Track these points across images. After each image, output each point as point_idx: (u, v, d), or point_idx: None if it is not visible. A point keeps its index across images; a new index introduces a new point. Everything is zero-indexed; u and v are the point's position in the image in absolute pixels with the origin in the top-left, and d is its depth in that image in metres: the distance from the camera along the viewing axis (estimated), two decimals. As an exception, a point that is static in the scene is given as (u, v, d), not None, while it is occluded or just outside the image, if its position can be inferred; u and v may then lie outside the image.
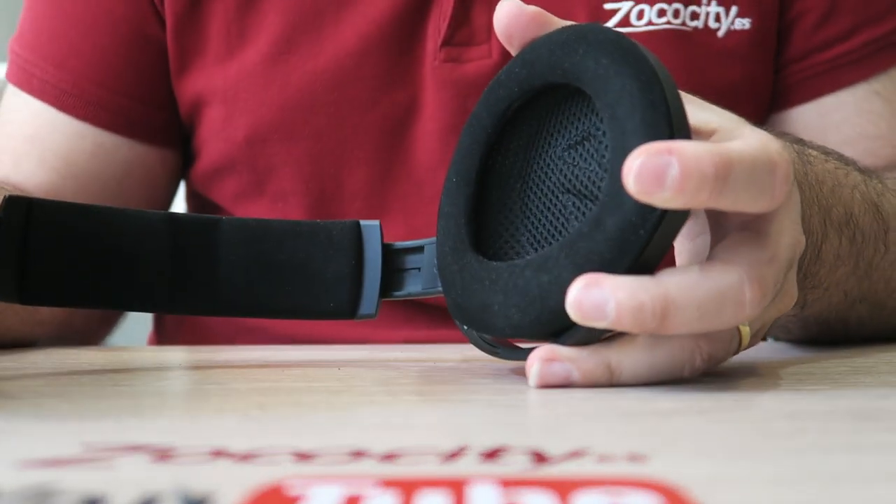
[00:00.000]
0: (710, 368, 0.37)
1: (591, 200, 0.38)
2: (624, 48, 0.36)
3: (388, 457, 0.24)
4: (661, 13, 0.64)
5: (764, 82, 0.68)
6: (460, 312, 0.39)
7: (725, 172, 0.32)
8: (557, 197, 0.40)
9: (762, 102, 0.69)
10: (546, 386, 0.36)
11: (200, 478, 0.22)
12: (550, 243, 0.39)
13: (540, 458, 0.24)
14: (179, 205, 0.76)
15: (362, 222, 0.46)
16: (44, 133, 0.67)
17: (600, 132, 0.38)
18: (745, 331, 0.38)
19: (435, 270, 0.43)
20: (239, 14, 0.65)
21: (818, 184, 0.49)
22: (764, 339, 0.56)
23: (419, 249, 0.45)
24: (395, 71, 0.64)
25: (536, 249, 0.40)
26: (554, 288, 0.35)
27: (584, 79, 0.37)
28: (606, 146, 0.37)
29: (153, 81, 0.68)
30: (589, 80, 0.37)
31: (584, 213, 0.38)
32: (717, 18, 0.65)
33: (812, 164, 0.49)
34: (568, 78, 0.38)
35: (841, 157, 0.55)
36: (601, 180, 0.37)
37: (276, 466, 0.23)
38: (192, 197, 0.75)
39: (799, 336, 0.55)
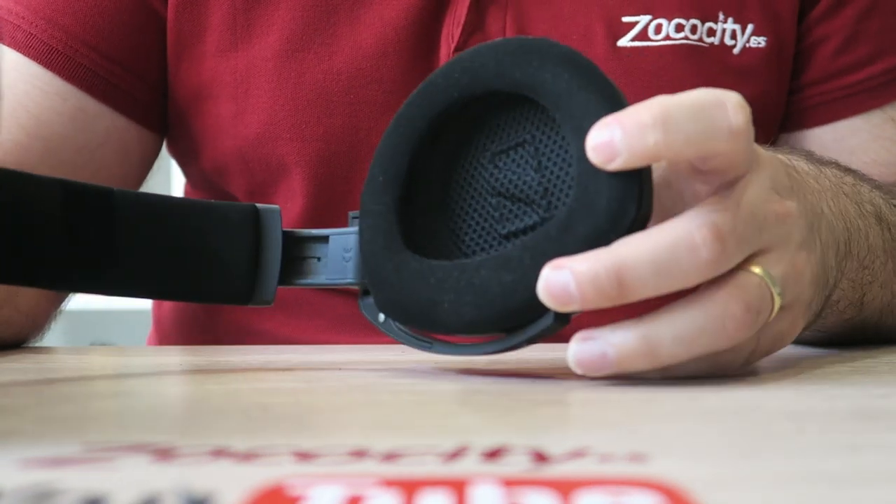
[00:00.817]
0: (754, 323, 0.36)
1: (524, 203, 0.40)
2: (583, 65, 0.38)
3: (390, 457, 0.24)
4: (679, 28, 0.64)
5: (776, 101, 0.68)
6: (396, 309, 0.40)
7: (662, 116, 0.35)
8: (486, 199, 0.41)
9: (773, 121, 0.69)
10: (586, 370, 0.35)
11: (201, 477, 0.22)
12: (480, 245, 0.41)
13: (541, 457, 0.24)
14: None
15: (260, 206, 0.45)
16: (21, 89, 0.63)
17: (537, 139, 0.40)
18: (777, 290, 0.37)
19: (345, 262, 0.44)
20: (246, 5, 0.64)
21: (838, 179, 0.49)
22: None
23: (323, 239, 0.45)
24: (411, 75, 0.64)
25: (462, 250, 0.41)
26: (518, 287, 0.36)
27: (539, 90, 0.38)
28: (543, 153, 0.39)
29: (150, 58, 0.66)
30: (546, 92, 0.38)
31: (516, 216, 0.40)
32: (734, 36, 0.65)
33: (825, 165, 0.50)
34: (518, 87, 0.39)
35: (842, 167, 0.56)
36: (536, 184, 0.39)
37: (277, 466, 0.23)
38: (201, 189, 0.73)
39: (832, 338, 0.54)
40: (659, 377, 0.37)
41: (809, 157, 0.49)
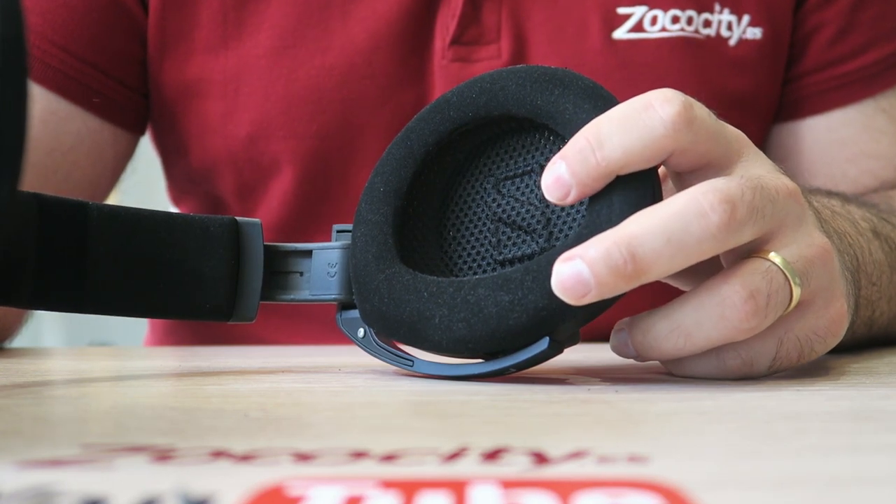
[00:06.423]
0: (761, 311, 0.35)
1: (523, 232, 0.40)
2: (605, 97, 0.38)
3: (389, 457, 0.24)
4: (675, 20, 0.64)
5: (770, 92, 0.68)
6: (382, 321, 0.40)
7: (595, 135, 0.35)
8: (485, 224, 0.41)
9: (767, 112, 0.69)
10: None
11: (201, 479, 0.22)
12: (472, 268, 0.41)
13: (540, 458, 0.24)
14: (161, 203, 0.73)
15: (240, 219, 0.44)
16: None
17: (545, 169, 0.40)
18: (795, 279, 0.36)
19: (329, 277, 0.43)
20: (238, 3, 0.63)
21: (828, 201, 0.49)
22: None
23: (306, 254, 0.44)
24: (405, 69, 0.64)
25: (452, 270, 0.41)
26: (516, 308, 0.36)
27: (558, 118, 0.38)
28: None
29: (124, 57, 0.65)
30: (566, 122, 0.38)
31: (514, 244, 0.40)
32: (730, 27, 0.65)
33: (813, 191, 0.50)
34: (536, 114, 0.39)
35: (824, 191, 0.56)
36: (540, 213, 0.40)
37: (276, 467, 0.23)
38: (184, 192, 0.73)
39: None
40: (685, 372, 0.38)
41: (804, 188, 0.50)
